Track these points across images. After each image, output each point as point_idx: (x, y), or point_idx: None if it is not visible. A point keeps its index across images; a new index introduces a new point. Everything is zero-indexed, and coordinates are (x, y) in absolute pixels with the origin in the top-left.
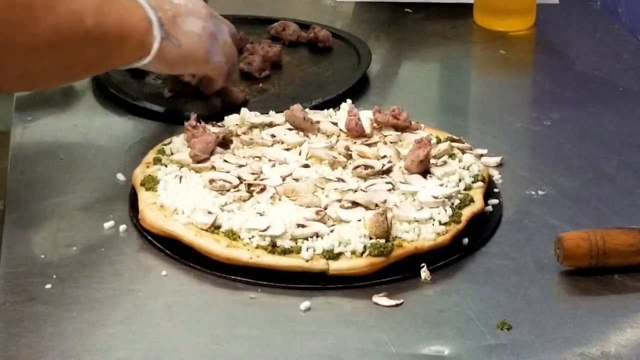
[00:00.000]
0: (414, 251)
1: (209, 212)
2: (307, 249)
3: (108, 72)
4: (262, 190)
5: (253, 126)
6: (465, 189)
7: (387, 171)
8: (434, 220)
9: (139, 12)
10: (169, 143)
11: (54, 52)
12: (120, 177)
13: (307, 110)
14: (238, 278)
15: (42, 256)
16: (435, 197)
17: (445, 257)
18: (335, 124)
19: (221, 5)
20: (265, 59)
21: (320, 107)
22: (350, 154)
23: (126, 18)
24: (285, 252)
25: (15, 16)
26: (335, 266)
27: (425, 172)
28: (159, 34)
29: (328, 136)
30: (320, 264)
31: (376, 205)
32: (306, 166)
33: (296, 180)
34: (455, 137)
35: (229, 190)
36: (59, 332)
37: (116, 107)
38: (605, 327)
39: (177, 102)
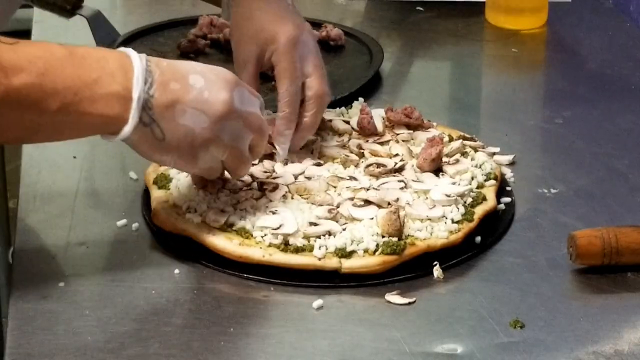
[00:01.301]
0: (427, 249)
1: (222, 211)
2: (320, 247)
3: None
4: (275, 188)
5: None
6: (477, 187)
7: (400, 169)
8: (446, 218)
9: (116, 80)
10: None
11: None
12: (133, 175)
13: None
14: (250, 276)
15: (55, 254)
16: (448, 196)
17: (458, 256)
18: (348, 122)
19: None
20: None
21: (332, 105)
22: (363, 153)
23: (88, 87)
24: (297, 250)
25: None
26: (347, 264)
27: (437, 171)
28: (137, 117)
29: (340, 135)
30: (332, 262)
31: (388, 203)
32: (318, 164)
33: (308, 178)
34: (467, 136)
35: (241, 189)
36: (71, 330)
37: None
38: (618, 325)
39: None
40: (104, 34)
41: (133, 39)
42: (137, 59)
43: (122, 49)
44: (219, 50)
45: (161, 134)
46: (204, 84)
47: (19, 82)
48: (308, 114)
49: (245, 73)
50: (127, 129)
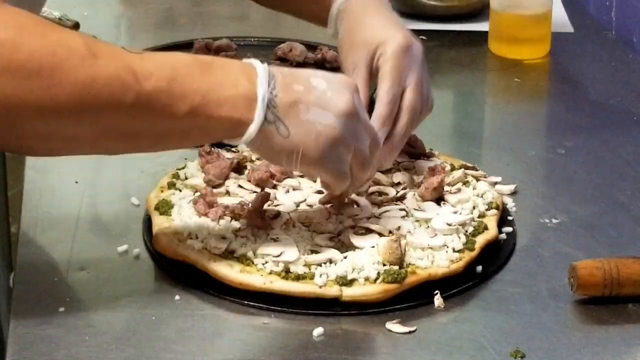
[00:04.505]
0: (428, 278)
1: (223, 237)
2: (321, 275)
3: None
4: (276, 216)
5: None
6: (479, 217)
7: (401, 198)
8: (447, 247)
9: (241, 83)
10: (184, 167)
11: (79, 118)
12: (135, 200)
13: None
14: (251, 303)
15: (56, 279)
16: (449, 225)
17: (459, 285)
18: None
19: (231, 28)
20: None
21: None
22: None
23: (215, 90)
24: (298, 278)
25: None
26: (348, 292)
27: (439, 199)
28: (262, 116)
29: None
30: (333, 290)
31: (390, 232)
32: (320, 192)
33: (310, 206)
34: (469, 165)
35: (242, 216)
36: (71, 356)
37: None
38: (618, 356)
39: None
40: None
41: None
42: (259, 65)
43: (244, 60)
44: None
45: (286, 131)
46: (327, 86)
47: (149, 87)
48: (399, 124)
49: (354, 77)
50: (253, 128)
